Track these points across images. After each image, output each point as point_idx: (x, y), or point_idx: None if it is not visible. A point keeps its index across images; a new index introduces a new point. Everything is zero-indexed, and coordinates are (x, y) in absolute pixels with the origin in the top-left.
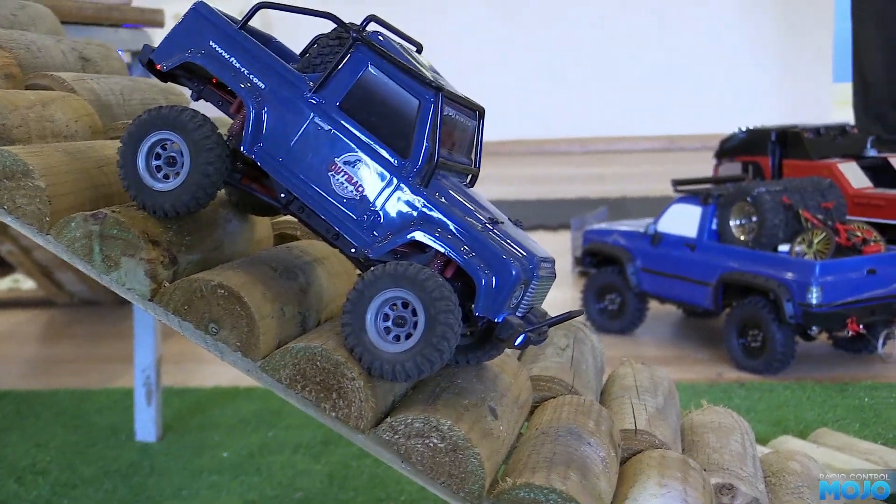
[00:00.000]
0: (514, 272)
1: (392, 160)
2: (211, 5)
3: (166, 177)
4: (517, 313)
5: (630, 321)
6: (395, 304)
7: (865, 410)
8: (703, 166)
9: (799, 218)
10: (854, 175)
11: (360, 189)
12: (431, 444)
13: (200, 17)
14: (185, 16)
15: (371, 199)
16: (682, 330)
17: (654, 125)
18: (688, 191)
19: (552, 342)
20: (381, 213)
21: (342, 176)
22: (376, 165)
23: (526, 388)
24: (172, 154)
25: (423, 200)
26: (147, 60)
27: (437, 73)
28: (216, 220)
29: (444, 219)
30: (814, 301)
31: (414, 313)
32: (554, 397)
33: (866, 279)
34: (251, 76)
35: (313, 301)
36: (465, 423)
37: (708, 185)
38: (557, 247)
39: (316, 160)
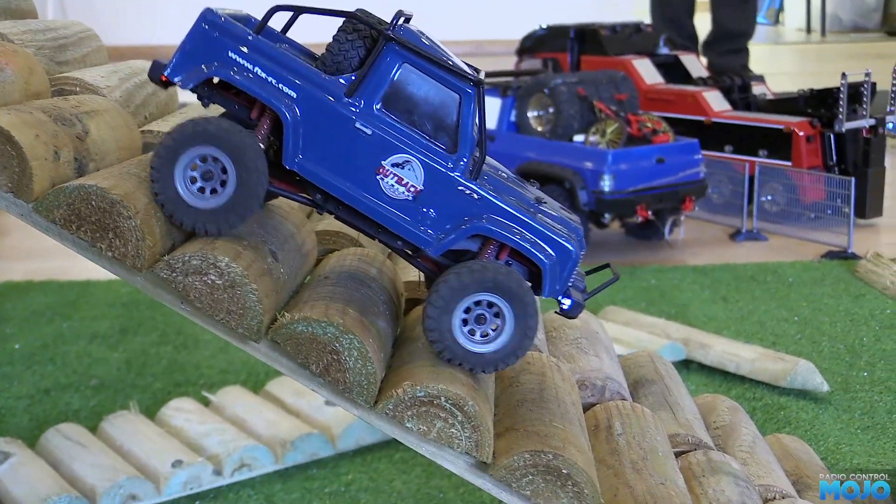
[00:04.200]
0: (573, 253)
1: (440, 156)
2: (218, 10)
3: (201, 190)
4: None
5: None
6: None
7: (651, 291)
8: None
9: (593, 109)
10: (647, 71)
11: (412, 189)
12: (209, 281)
13: (213, 27)
14: (194, 26)
15: (424, 198)
16: None
17: (461, 30)
18: (488, 83)
19: None
20: (436, 210)
21: (391, 178)
22: (425, 163)
23: (311, 240)
24: (209, 169)
25: (476, 192)
26: (158, 77)
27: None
28: None
29: (500, 207)
30: (606, 189)
31: (497, 314)
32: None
33: (655, 168)
34: (281, 85)
35: (91, 149)
36: (244, 261)
37: (507, 78)
38: None
39: (361, 165)
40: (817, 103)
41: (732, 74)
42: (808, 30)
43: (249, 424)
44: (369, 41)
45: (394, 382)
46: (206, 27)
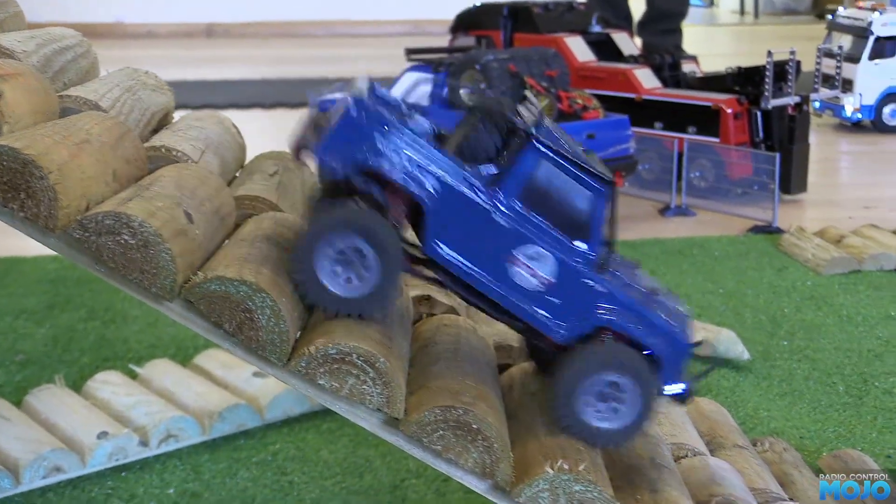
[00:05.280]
0: (688, 347)
1: (571, 251)
2: (366, 99)
3: (347, 280)
4: None
5: None
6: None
7: None
8: None
9: (524, 85)
10: (579, 49)
11: (544, 280)
12: (122, 241)
13: (363, 113)
14: (345, 113)
15: (554, 290)
16: None
17: (398, 9)
18: (420, 59)
19: (261, 169)
20: (563, 301)
21: (523, 269)
22: (556, 257)
23: (228, 203)
24: (347, 254)
25: (602, 286)
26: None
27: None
28: None
29: (622, 301)
30: None
31: (617, 389)
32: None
33: (586, 143)
34: (425, 175)
35: (5, 111)
36: (157, 221)
37: (440, 55)
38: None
39: (495, 255)
40: (745, 81)
41: (663, 53)
42: (742, 12)
43: (177, 396)
44: (505, 132)
45: (307, 340)
46: (357, 115)
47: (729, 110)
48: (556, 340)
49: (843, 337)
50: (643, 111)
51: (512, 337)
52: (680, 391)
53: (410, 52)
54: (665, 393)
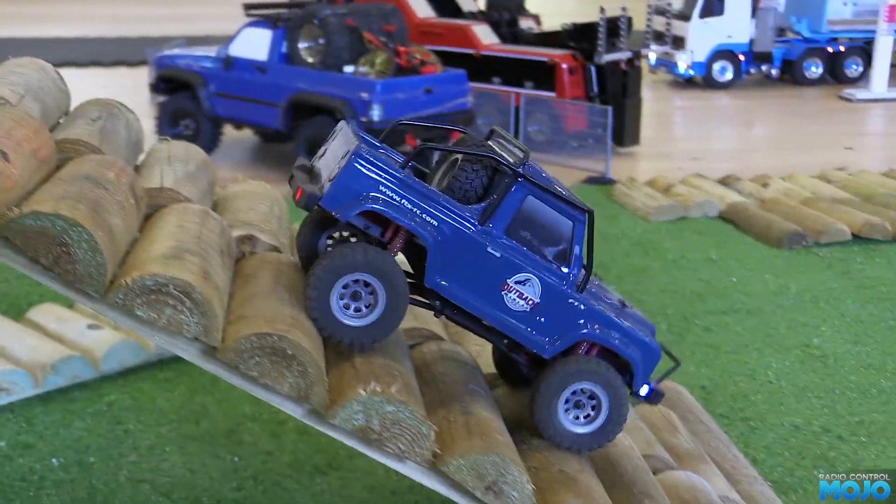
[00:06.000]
0: (657, 352)
1: (555, 274)
2: (366, 147)
3: (357, 310)
4: None
5: (205, 146)
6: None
7: None
8: None
9: (363, 40)
10: (419, 4)
11: (531, 302)
12: None
13: (366, 165)
14: (348, 164)
15: (540, 309)
16: (258, 154)
17: None
18: (259, 15)
19: (84, 114)
20: (550, 319)
21: (514, 293)
22: (543, 281)
23: (47, 146)
24: (358, 290)
25: (583, 304)
26: (313, 207)
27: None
28: None
29: (603, 316)
30: (375, 118)
31: (592, 397)
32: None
33: (424, 98)
34: (425, 215)
35: None
36: None
37: (279, 10)
38: (136, 80)
39: (490, 283)
40: (580, 37)
41: (501, 10)
42: None
43: (9, 350)
44: (490, 170)
45: (124, 273)
46: (360, 166)
47: (564, 65)
48: (543, 356)
49: (668, 279)
50: (482, 67)
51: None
52: (647, 392)
53: (249, 7)
54: (638, 394)
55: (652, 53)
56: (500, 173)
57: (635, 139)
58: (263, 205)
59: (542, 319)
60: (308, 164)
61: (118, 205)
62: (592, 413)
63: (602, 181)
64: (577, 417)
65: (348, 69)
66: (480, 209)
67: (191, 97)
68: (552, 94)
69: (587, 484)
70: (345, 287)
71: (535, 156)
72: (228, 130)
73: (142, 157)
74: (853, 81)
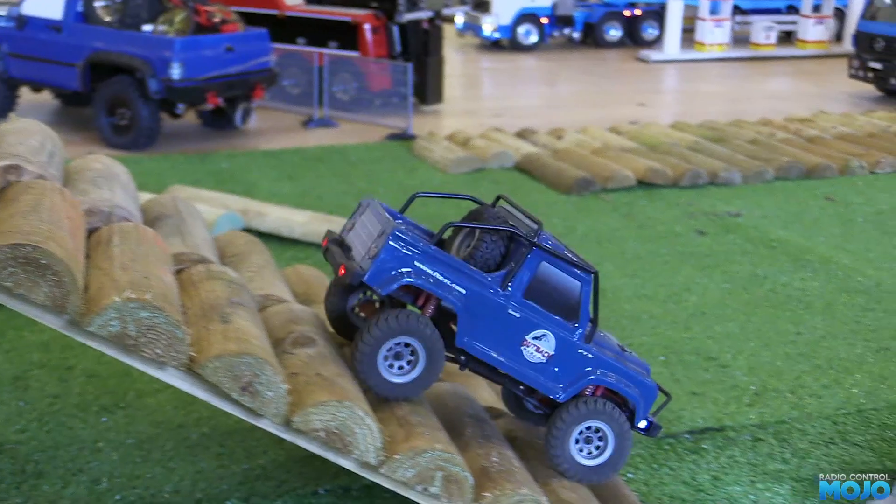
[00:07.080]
0: (654, 390)
1: (567, 329)
2: (402, 226)
3: (400, 368)
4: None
5: (0, 108)
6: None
7: (223, 173)
8: None
9: None
10: None
11: (546, 354)
12: None
13: (402, 243)
14: (387, 244)
15: (555, 360)
16: (59, 117)
17: None
18: None
19: None
20: (563, 368)
21: (532, 348)
22: (557, 335)
23: None
24: (400, 351)
25: (591, 353)
26: (357, 283)
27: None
28: None
29: (608, 363)
30: (175, 76)
31: (598, 433)
32: None
33: (225, 56)
34: (454, 285)
35: None
36: None
37: None
38: None
39: (510, 340)
40: None
41: None
42: None
43: None
44: (506, 240)
45: None
46: (397, 245)
47: (367, 25)
48: (558, 400)
49: None
50: (286, 28)
51: None
52: (645, 426)
53: None
54: (638, 428)
55: (459, 17)
56: (516, 242)
57: (438, 97)
58: (34, 139)
59: (557, 369)
60: (338, 237)
61: None
62: (601, 445)
63: (403, 136)
64: (589, 452)
65: (147, 28)
66: (501, 276)
67: None
68: (356, 54)
69: (344, 386)
70: (388, 350)
71: (340, 115)
72: (26, 93)
73: None
74: (650, 44)
